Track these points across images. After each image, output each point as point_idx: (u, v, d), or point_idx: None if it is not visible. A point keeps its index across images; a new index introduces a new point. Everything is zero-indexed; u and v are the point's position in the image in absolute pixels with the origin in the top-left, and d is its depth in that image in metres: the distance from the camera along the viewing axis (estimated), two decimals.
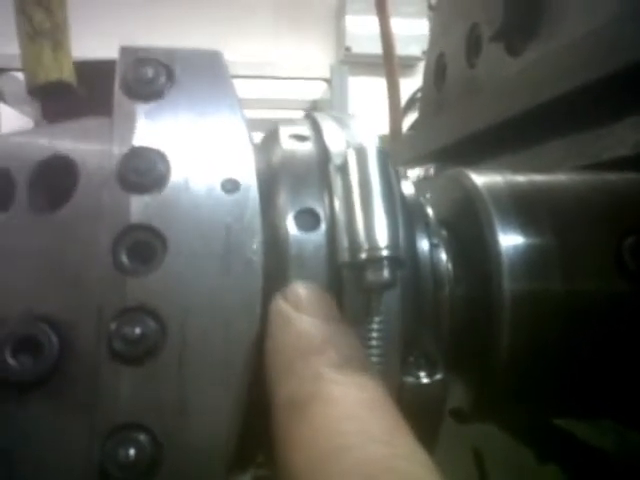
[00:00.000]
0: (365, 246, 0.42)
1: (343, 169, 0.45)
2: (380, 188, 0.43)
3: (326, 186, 0.46)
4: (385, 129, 1.95)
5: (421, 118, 1.48)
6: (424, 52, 4.62)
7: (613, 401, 0.59)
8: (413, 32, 4.57)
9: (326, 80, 4.25)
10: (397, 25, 2.65)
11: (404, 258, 0.43)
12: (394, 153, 1.37)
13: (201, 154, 0.47)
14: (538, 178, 0.59)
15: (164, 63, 0.50)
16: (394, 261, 0.42)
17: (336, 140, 0.48)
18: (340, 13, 5.01)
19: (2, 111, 3.22)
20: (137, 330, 0.42)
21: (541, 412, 0.63)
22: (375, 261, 0.41)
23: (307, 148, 0.49)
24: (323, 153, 0.48)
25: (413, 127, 2.20)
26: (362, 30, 4.77)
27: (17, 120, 3.65)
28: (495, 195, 0.56)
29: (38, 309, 0.44)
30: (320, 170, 0.47)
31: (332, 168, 0.46)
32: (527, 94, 0.82)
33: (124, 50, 0.51)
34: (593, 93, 0.68)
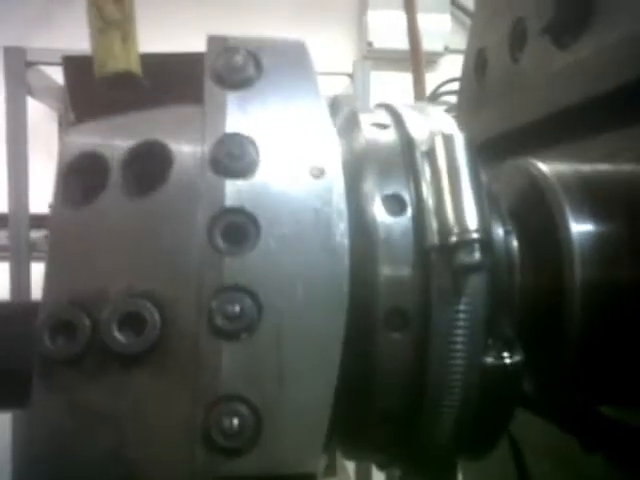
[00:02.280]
0: (455, 229, 0.44)
1: (430, 155, 0.47)
2: (468, 174, 0.45)
3: (412, 172, 0.48)
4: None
5: (460, 113, 1.49)
6: (446, 48, 4.61)
7: None
8: (435, 27, 4.56)
9: (348, 75, 4.25)
10: (419, 20, 2.65)
11: (492, 242, 0.45)
12: None
13: (289, 141, 0.49)
14: (603, 167, 0.61)
15: (252, 52, 0.52)
16: (485, 244, 0.43)
17: (419, 128, 0.50)
18: (362, 8, 5.01)
19: (29, 105, 3.25)
20: (236, 307, 0.44)
21: (607, 400, 0.64)
22: (466, 244, 0.43)
23: (390, 135, 0.50)
24: (407, 140, 0.49)
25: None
26: (384, 25, 4.76)
27: (44, 114, 3.69)
28: (564, 183, 0.57)
29: (138, 285, 0.46)
30: (405, 156, 0.49)
31: (418, 154, 0.48)
32: (579, 87, 0.82)
33: (212, 39, 0.53)
34: None
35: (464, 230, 0.43)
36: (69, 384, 0.44)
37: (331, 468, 3.68)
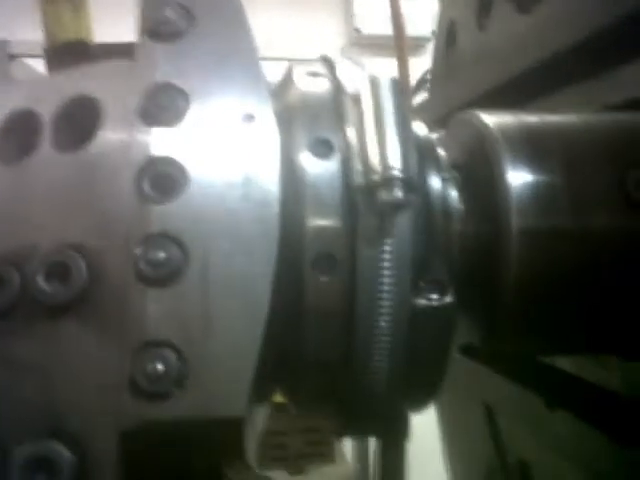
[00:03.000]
0: (378, 169, 0.44)
1: (357, 99, 0.47)
2: (393, 115, 0.45)
3: (340, 117, 0.48)
4: None
5: (433, 85, 1.49)
6: (434, 32, 4.59)
7: (619, 336, 0.60)
8: (423, 12, 4.55)
9: None
10: (407, 5, 2.64)
11: (416, 180, 0.45)
12: None
13: (219, 91, 0.49)
14: (549, 117, 0.61)
15: (184, 5, 0.51)
16: (406, 182, 0.43)
17: (350, 75, 0.50)
18: None
19: None
20: (161, 254, 0.44)
21: (547, 346, 0.64)
22: (388, 182, 0.43)
23: (321, 83, 0.50)
24: (337, 86, 0.49)
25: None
26: (371, 11, 4.75)
27: None
28: (505, 132, 0.57)
29: (68, 238, 0.46)
30: (334, 102, 0.48)
31: (346, 99, 0.48)
32: (539, 47, 0.83)
33: None
34: (603, 40, 0.69)
35: (386, 168, 0.43)
36: None
37: (330, 455, 3.70)
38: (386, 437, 0.58)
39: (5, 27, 3.86)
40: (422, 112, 1.37)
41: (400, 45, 2.56)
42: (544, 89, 0.84)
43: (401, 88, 0.47)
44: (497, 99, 0.97)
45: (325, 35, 4.92)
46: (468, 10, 1.21)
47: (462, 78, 1.15)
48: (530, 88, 0.86)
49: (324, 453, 3.67)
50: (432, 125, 1.25)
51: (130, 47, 0.52)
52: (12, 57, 3.35)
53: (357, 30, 4.93)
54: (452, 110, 1.13)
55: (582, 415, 0.76)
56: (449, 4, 1.37)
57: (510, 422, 1.02)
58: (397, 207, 0.44)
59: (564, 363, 0.83)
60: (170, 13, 0.51)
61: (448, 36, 1.34)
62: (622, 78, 0.67)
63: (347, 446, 3.68)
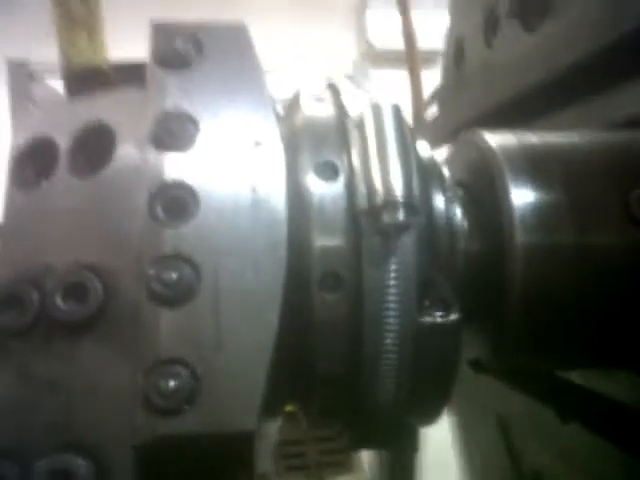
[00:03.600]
0: (381, 192, 0.45)
1: (360, 124, 0.49)
2: (395, 140, 0.47)
3: (344, 141, 0.49)
4: (408, 121, 1.98)
5: (442, 101, 1.51)
6: None
7: (625, 351, 0.61)
8: (435, 26, 4.57)
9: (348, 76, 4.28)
10: (419, 19, 2.66)
11: (418, 203, 0.46)
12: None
13: (228, 117, 0.51)
14: (550, 137, 0.62)
15: (193, 35, 0.54)
16: (408, 205, 0.45)
17: (354, 100, 0.52)
18: (361, 8, 5.03)
19: None
20: (174, 275, 0.46)
21: (554, 362, 0.65)
22: (391, 205, 0.45)
23: (326, 108, 0.52)
24: (341, 111, 0.51)
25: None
26: (383, 25, 4.78)
27: None
28: (507, 153, 0.58)
29: (84, 259, 0.48)
30: (338, 126, 0.50)
31: (350, 123, 0.49)
32: (543, 65, 0.84)
33: (155, 25, 0.55)
34: (606, 58, 0.70)
35: (389, 192, 0.45)
36: (18, 354, 0.46)
37: (347, 464, 3.69)
38: (395, 450, 0.59)
39: (25, 48, 3.95)
40: (432, 128, 1.38)
41: (412, 58, 2.58)
42: (549, 106, 0.85)
43: (403, 113, 0.49)
44: (504, 116, 0.99)
45: (338, 49, 4.97)
46: (476, 27, 1.23)
47: (470, 94, 1.16)
48: (535, 105, 0.88)
49: (341, 462, 3.68)
50: (441, 141, 1.27)
51: (142, 67, 0.54)
52: (32, 77, 3.43)
53: (369, 44, 4.98)
54: (460, 126, 1.15)
55: (594, 427, 0.76)
56: (457, 21, 1.39)
57: (523, 434, 1.03)
58: (400, 229, 0.46)
59: (574, 376, 0.84)
60: (180, 43, 0.53)
61: (456, 53, 1.36)
62: (624, 96, 0.68)
63: (364, 455, 3.67)
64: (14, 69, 3.41)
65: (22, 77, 3.39)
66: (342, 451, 3.63)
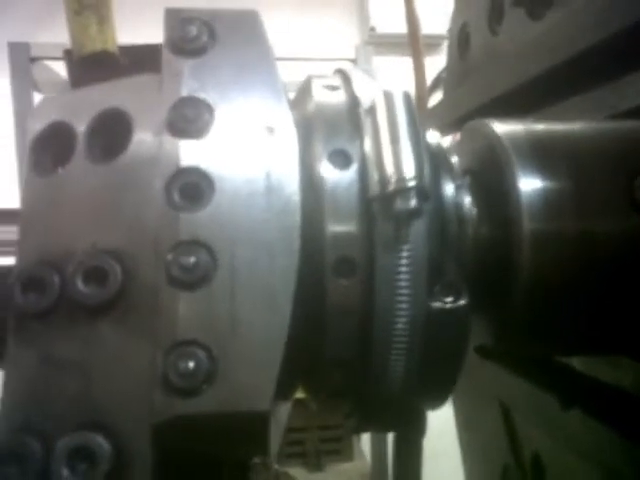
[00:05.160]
0: (393, 178, 0.46)
1: (372, 111, 0.49)
2: (407, 127, 0.48)
3: (357, 129, 0.50)
4: None
5: (446, 88, 1.51)
6: (449, 30, 4.58)
7: (629, 337, 0.62)
8: (438, 10, 4.55)
9: (351, 61, 4.26)
10: (422, 3, 2.66)
11: (429, 189, 0.47)
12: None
13: (242, 104, 0.52)
14: (556, 126, 0.63)
15: (206, 22, 0.54)
16: (420, 190, 0.46)
17: (365, 88, 0.53)
18: None
19: (36, 100, 3.30)
20: (191, 259, 0.47)
21: (559, 348, 0.67)
22: (403, 191, 0.46)
23: (338, 96, 0.53)
24: (353, 99, 0.52)
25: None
26: (387, 10, 4.76)
27: None
28: (514, 141, 0.59)
29: (102, 244, 0.49)
30: (350, 114, 0.51)
31: (362, 111, 0.50)
32: (549, 54, 0.85)
33: (169, 12, 0.55)
34: (612, 47, 0.71)
35: (401, 178, 0.46)
36: (40, 336, 0.48)
37: (347, 452, 3.73)
38: (402, 433, 0.61)
39: (25, 31, 3.93)
40: (434, 115, 1.39)
41: (415, 44, 2.57)
42: (554, 95, 0.86)
43: (413, 100, 0.50)
44: (508, 104, 0.99)
45: (340, 34, 4.95)
46: (481, 15, 1.23)
47: (474, 82, 1.17)
48: (540, 94, 0.88)
49: (342, 450, 3.71)
50: (445, 128, 1.28)
51: (155, 49, 0.55)
52: (33, 59, 3.41)
53: (372, 29, 4.96)
54: (465, 114, 1.16)
55: (595, 414, 0.78)
56: (462, 8, 1.39)
57: (525, 420, 1.04)
58: (412, 215, 0.47)
59: (577, 363, 0.85)
60: (193, 30, 0.54)
61: (460, 39, 1.36)
62: (629, 86, 0.69)
63: (365, 443, 3.71)
64: (14, 51, 3.40)
65: (22, 59, 3.38)
66: (343, 440, 3.66)
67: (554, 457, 0.98)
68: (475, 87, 1.14)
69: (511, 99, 0.99)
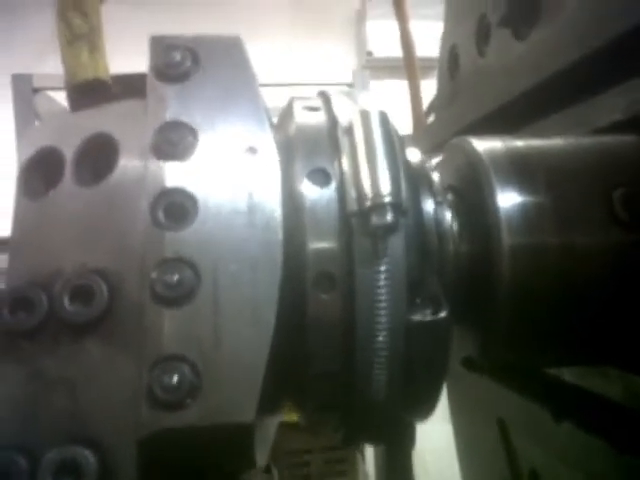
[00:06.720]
0: (370, 195, 0.48)
1: (349, 131, 0.51)
2: (383, 145, 0.49)
3: (336, 148, 0.52)
4: (409, 130, 2.00)
5: (438, 108, 1.53)
6: None
7: (611, 348, 0.63)
8: (434, 34, 4.62)
9: (348, 85, 4.32)
10: (418, 28, 2.70)
11: (406, 205, 0.49)
12: (416, 144, 1.42)
13: (225, 127, 0.54)
14: (536, 142, 0.64)
15: (190, 48, 0.56)
16: (396, 206, 0.48)
17: (344, 108, 0.54)
18: (361, 18, 5.08)
19: None
20: (175, 276, 0.48)
21: (542, 359, 0.67)
22: (379, 207, 0.47)
23: (318, 117, 0.55)
24: (332, 119, 0.54)
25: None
26: (383, 34, 4.83)
27: None
28: (494, 158, 0.61)
29: (90, 263, 0.50)
30: (330, 134, 0.53)
31: (340, 131, 0.52)
32: (530, 73, 0.87)
33: (154, 39, 0.57)
34: (587, 66, 0.73)
35: (377, 195, 0.48)
36: (28, 354, 0.49)
37: (352, 474, 3.70)
38: (391, 444, 0.61)
39: (28, 62, 4.00)
40: (429, 135, 1.41)
41: (411, 67, 2.60)
42: (538, 113, 0.88)
43: (389, 119, 0.51)
44: (496, 122, 1.01)
45: (338, 58, 5.01)
46: (469, 36, 1.25)
47: (464, 101, 1.19)
48: (525, 112, 0.90)
49: (346, 471, 3.68)
50: (437, 148, 1.30)
51: (141, 77, 0.57)
52: (36, 90, 3.47)
53: (369, 53, 5.02)
54: (455, 133, 1.18)
55: (587, 426, 0.78)
56: (451, 29, 1.42)
57: (521, 434, 1.05)
58: (388, 230, 0.48)
59: (566, 374, 0.86)
60: (177, 56, 0.56)
61: (450, 61, 1.38)
62: (609, 102, 0.71)
63: (370, 465, 3.68)
64: (17, 82, 3.46)
65: (25, 90, 3.43)
66: (347, 461, 3.64)
67: (551, 471, 0.98)
68: (464, 106, 1.16)
69: (498, 117, 1.01)
